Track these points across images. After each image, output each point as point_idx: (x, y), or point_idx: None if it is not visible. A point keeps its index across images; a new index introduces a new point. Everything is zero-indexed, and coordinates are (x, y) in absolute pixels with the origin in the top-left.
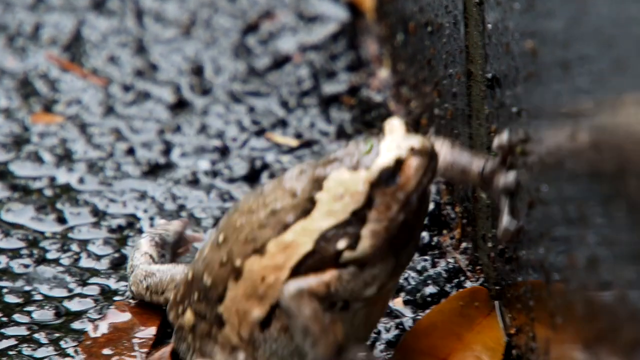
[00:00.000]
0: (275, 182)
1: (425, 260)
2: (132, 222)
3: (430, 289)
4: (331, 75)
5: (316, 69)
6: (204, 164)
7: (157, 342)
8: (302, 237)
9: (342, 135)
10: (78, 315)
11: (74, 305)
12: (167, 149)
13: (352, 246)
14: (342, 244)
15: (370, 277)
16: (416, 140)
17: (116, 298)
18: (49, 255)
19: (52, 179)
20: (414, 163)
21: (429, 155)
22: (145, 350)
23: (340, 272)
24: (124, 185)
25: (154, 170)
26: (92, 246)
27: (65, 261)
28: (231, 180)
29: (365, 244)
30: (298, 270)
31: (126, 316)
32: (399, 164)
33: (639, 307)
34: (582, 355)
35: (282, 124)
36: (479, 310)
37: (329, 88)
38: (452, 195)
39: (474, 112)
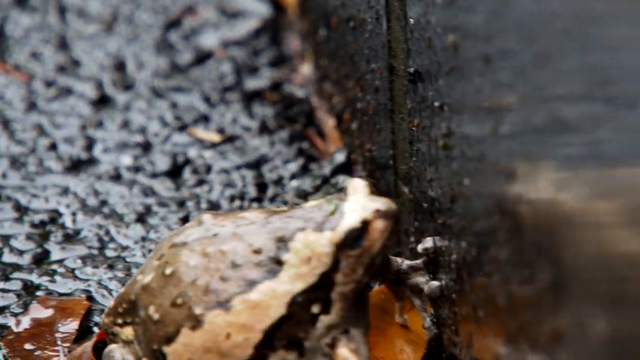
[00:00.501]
0: (230, 228)
1: None
2: (54, 217)
3: None
4: (253, 71)
5: (238, 64)
6: (126, 160)
7: (80, 337)
8: (272, 299)
9: (265, 130)
10: (0, 310)
11: None
12: (90, 144)
13: (325, 310)
14: (316, 308)
15: (361, 335)
16: (381, 203)
17: (38, 293)
18: None
19: None
20: (379, 225)
21: (394, 217)
22: (67, 344)
23: (348, 348)
24: (46, 180)
25: (76, 166)
26: (14, 241)
27: None
28: (153, 176)
29: (336, 307)
30: (272, 333)
31: (49, 311)
32: (365, 225)
33: (560, 300)
34: (504, 349)
35: (205, 119)
36: None
37: (252, 83)
38: (374, 190)
39: (397, 106)
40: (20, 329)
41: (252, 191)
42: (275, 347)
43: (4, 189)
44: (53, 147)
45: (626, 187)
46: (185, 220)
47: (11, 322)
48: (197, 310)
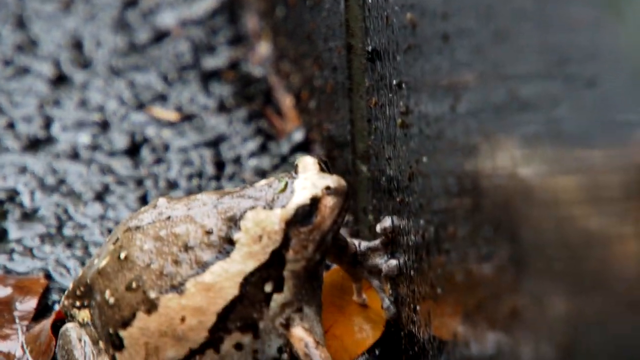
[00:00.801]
0: (183, 211)
1: None
2: (12, 196)
3: None
4: (211, 50)
5: (196, 43)
6: (84, 138)
7: (38, 315)
8: (225, 280)
9: (223, 109)
10: None
11: None
12: (47, 123)
13: (278, 289)
14: (268, 287)
15: (313, 313)
16: (331, 180)
17: None
18: None
19: None
20: (329, 202)
21: (345, 194)
22: (25, 323)
23: (302, 327)
24: (4, 159)
25: (34, 145)
26: None
27: None
28: (112, 154)
29: (289, 285)
30: (226, 315)
31: (7, 290)
32: (315, 202)
33: (518, 277)
34: (462, 326)
35: (162, 98)
36: None
37: (209, 62)
38: (332, 168)
39: (355, 85)
40: None
41: (210, 170)
42: (230, 329)
43: None
44: (11, 126)
45: (584, 165)
46: (143, 199)
47: None
48: (152, 294)
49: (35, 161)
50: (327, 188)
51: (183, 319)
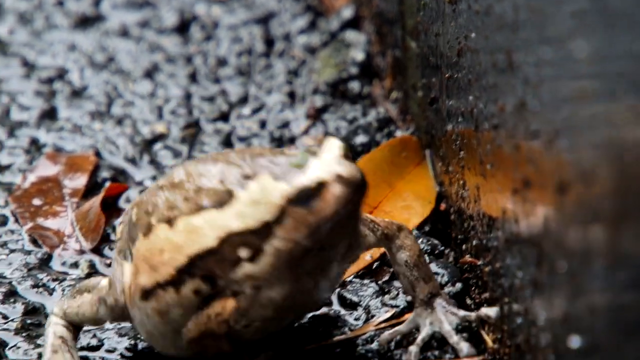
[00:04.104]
0: (222, 158)
1: (356, 109)
2: (62, 74)
3: (361, 138)
4: None
5: None
6: (133, 16)
7: (88, 193)
8: (210, 229)
9: None
10: (8, 167)
11: (3, 158)
12: (97, 0)
13: (253, 259)
14: (244, 252)
15: (267, 300)
16: (347, 168)
17: (46, 149)
18: None
19: None
20: (336, 191)
21: (355, 187)
22: (75, 200)
23: (238, 301)
24: (53, 37)
25: (83, 22)
26: (22, 98)
27: None
28: (161, 32)
29: (265, 260)
30: (194, 261)
31: (56, 167)
32: (321, 187)
33: (565, 152)
34: (510, 201)
35: None
36: (409, 159)
37: None
38: (382, 44)
39: None
40: (27, 184)
41: (259, 47)
42: (194, 274)
43: (12, 45)
44: (60, 3)
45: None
46: (192, 76)
47: (19, 178)
48: (153, 220)
49: (85, 39)
50: (339, 176)
51: (162, 252)
